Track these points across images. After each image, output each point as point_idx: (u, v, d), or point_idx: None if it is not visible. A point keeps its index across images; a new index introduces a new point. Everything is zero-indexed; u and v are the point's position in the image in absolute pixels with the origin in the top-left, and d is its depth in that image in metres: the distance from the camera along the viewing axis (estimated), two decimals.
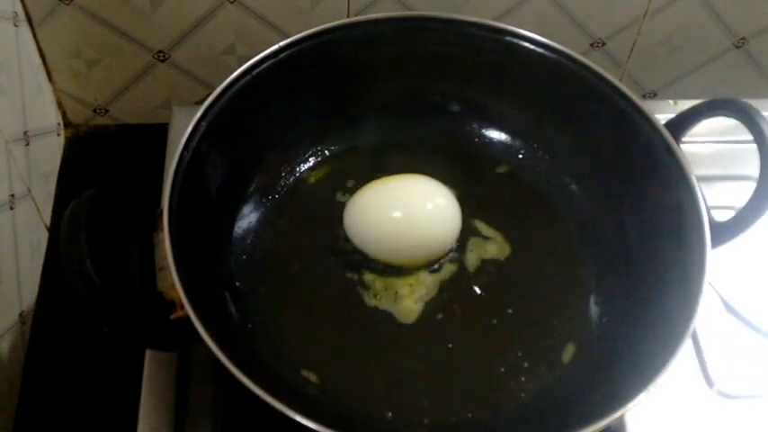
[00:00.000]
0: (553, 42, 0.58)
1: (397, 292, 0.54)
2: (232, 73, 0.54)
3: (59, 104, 0.75)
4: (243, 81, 0.54)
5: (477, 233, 0.58)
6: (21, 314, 0.61)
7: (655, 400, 0.44)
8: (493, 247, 0.57)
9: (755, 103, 0.51)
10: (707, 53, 0.78)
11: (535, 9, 0.71)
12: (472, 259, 0.57)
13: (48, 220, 0.69)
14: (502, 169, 0.62)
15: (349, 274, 0.55)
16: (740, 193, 0.51)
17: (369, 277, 0.55)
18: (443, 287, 0.55)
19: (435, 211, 0.56)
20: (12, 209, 0.59)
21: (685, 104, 0.56)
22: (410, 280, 0.55)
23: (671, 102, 0.71)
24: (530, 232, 0.59)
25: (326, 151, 0.62)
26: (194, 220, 0.50)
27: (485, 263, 0.56)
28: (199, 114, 0.52)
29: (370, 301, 0.54)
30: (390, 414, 0.50)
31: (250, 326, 0.52)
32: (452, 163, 0.61)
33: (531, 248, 0.58)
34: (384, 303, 0.54)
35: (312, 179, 0.61)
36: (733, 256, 0.57)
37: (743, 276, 0.61)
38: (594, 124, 0.58)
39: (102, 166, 0.75)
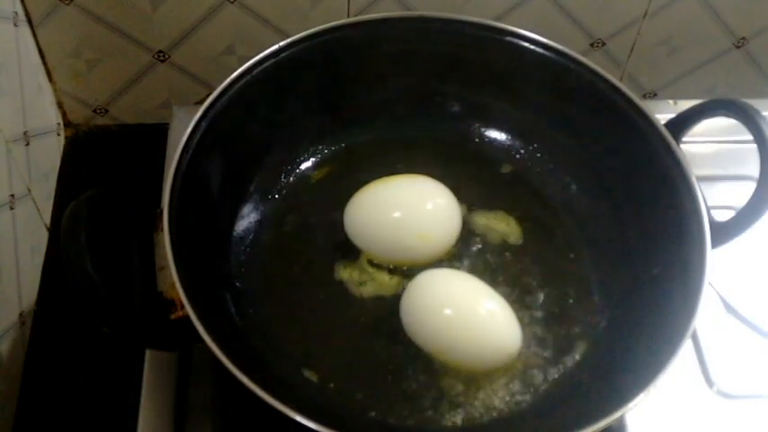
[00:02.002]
0: (553, 42, 0.58)
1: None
2: (232, 73, 0.54)
3: (59, 104, 0.75)
4: (243, 81, 0.54)
5: (477, 233, 0.58)
6: (21, 314, 0.61)
7: (655, 400, 0.44)
8: (493, 246, 0.57)
9: (755, 103, 0.52)
10: (707, 53, 0.78)
11: (535, 9, 0.71)
12: (473, 259, 0.57)
13: (48, 220, 0.69)
14: (502, 169, 0.62)
15: (348, 274, 0.55)
16: (740, 193, 0.51)
17: (367, 275, 0.55)
18: None
19: (435, 211, 0.56)
20: (12, 209, 0.59)
21: (685, 104, 0.56)
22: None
23: (671, 102, 0.71)
24: (530, 232, 0.58)
25: (326, 151, 0.62)
26: (194, 220, 0.50)
27: (485, 262, 0.56)
28: (199, 114, 0.52)
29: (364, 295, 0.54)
30: (389, 415, 0.50)
31: (250, 326, 0.52)
32: (453, 163, 0.61)
33: (532, 248, 0.58)
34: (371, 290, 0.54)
35: (312, 179, 0.61)
36: (733, 256, 0.57)
37: (743, 276, 0.61)
38: (594, 124, 0.58)
39: (102, 166, 0.74)
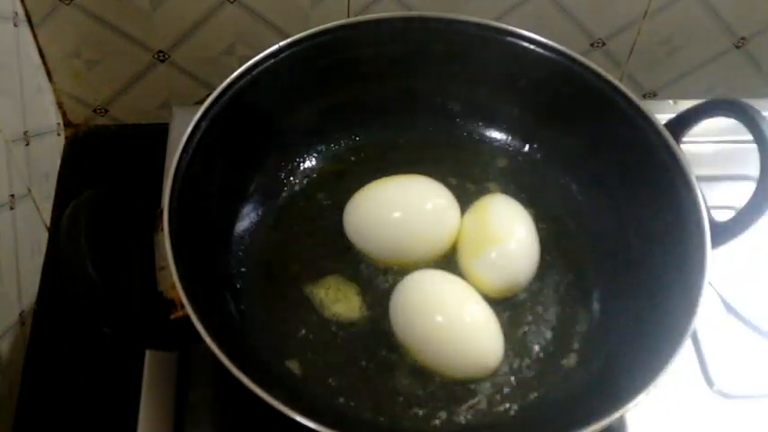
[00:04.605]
0: (553, 42, 0.58)
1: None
2: (232, 73, 0.54)
3: (59, 104, 0.75)
4: (243, 81, 0.54)
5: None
6: (21, 314, 0.61)
7: (655, 400, 0.44)
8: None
9: (755, 103, 0.52)
10: (707, 53, 0.78)
11: (535, 9, 0.71)
12: None
13: (48, 220, 0.69)
14: (502, 168, 0.62)
15: (348, 274, 0.55)
16: (740, 193, 0.51)
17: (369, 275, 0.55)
18: None
19: (435, 211, 0.56)
20: (12, 209, 0.59)
21: (685, 104, 0.56)
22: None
23: (671, 102, 0.71)
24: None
25: (326, 151, 0.62)
26: (194, 220, 0.50)
27: None
28: (199, 114, 0.52)
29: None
30: (390, 418, 0.50)
31: (250, 325, 0.52)
32: (452, 163, 0.61)
33: None
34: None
35: (312, 179, 0.61)
36: (733, 256, 0.57)
37: (743, 276, 0.61)
38: (594, 124, 0.58)
39: (102, 166, 0.74)
